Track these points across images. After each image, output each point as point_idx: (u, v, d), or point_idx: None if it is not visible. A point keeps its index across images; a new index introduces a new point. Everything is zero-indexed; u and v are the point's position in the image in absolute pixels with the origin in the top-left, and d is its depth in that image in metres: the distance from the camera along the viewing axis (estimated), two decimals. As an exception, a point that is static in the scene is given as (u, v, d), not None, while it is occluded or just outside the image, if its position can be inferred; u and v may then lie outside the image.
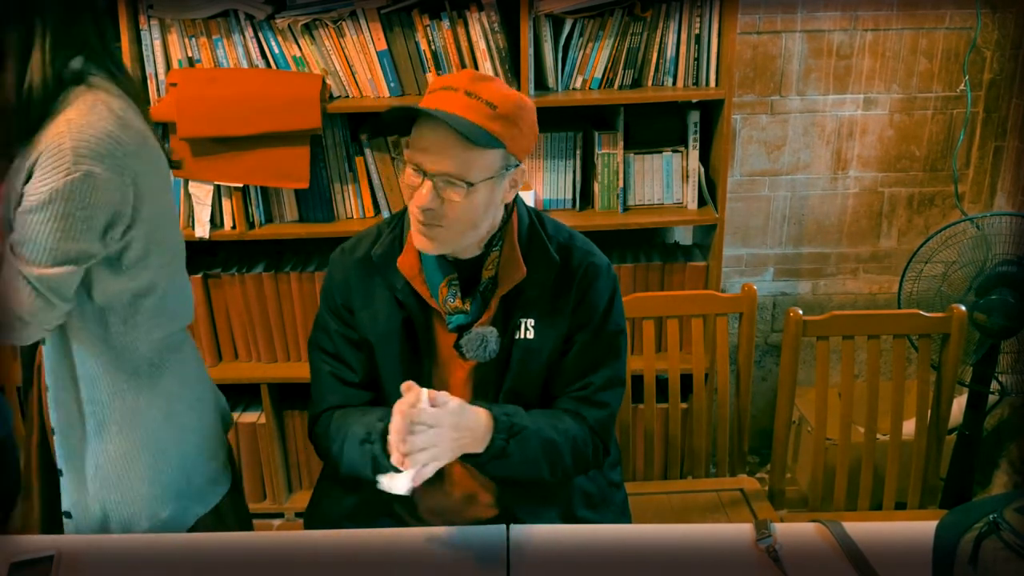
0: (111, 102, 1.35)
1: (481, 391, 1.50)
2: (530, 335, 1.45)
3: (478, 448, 1.35)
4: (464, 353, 1.45)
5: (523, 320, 1.44)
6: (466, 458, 1.36)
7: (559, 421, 1.46)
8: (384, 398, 1.53)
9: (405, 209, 1.50)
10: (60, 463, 1.50)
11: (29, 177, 1.32)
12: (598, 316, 1.49)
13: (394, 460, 1.26)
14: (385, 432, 1.32)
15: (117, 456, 1.48)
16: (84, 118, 1.31)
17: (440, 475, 1.50)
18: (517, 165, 1.39)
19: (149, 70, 2.37)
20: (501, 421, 1.37)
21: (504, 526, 1.38)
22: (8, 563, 1.30)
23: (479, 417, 1.35)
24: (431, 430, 1.27)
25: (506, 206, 1.45)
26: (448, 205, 1.33)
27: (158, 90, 2.35)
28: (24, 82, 1.30)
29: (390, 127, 1.41)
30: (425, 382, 1.47)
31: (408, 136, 1.37)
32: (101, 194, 1.33)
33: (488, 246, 1.44)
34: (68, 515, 1.51)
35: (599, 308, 1.49)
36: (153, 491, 1.50)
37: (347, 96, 2.43)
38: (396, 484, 1.27)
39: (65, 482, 1.50)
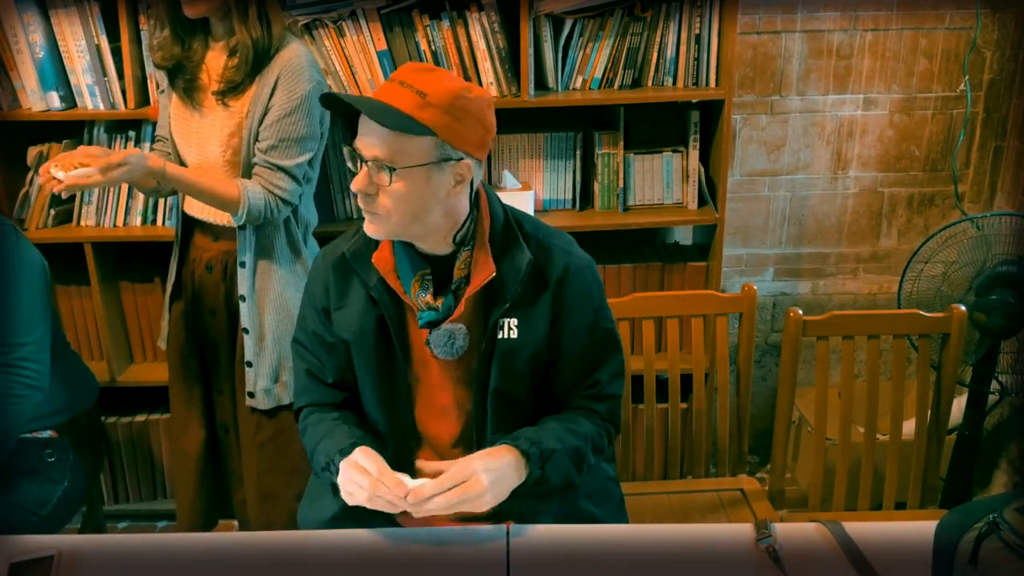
0: (302, 45, 1.98)
1: (457, 388, 1.50)
2: (513, 335, 1.45)
3: (516, 481, 1.39)
4: (432, 349, 1.46)
5: (505, 320, 1.44)
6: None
7: (576, 425, 1.48)
8: (359, 397, 1.55)
9: None
10: (246, 323, 2.02)
11: (272, 93, 1.89)
12: (590, 316, 1.50)
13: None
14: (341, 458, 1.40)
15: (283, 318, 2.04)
16: (302, 49, 1.95)
17: (417, 470, 1.50)
18: (461, 159, 1.37)
19: (149, 70, 2.37)
20: (532, 454, 1.40)
21: (504, 526, 1.37)
22: (8, 563, 1.30)
23: (505, 457, 1.39)
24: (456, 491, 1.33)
25: (476, 205, 1.45)
26: (381, 191, 1.36)
27: (158, 89, 2.35)
28: (262, 33, 1.88)
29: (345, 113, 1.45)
30: (400, 379, 1.49)
31: None
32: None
33: (459, 244, 1.44)
34: (249, 364, 2.04)
35: (589, 307, 1.50)
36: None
37: (347, 96, 2.43)
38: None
39: (249, 341, 2.02)
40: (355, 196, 1.42)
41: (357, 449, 1.39)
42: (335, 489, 1.42)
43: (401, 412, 1.51)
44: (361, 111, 1.34)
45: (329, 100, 1.40)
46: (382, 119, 1.32)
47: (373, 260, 1.45)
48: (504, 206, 1.50)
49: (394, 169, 1.34)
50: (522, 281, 1.43)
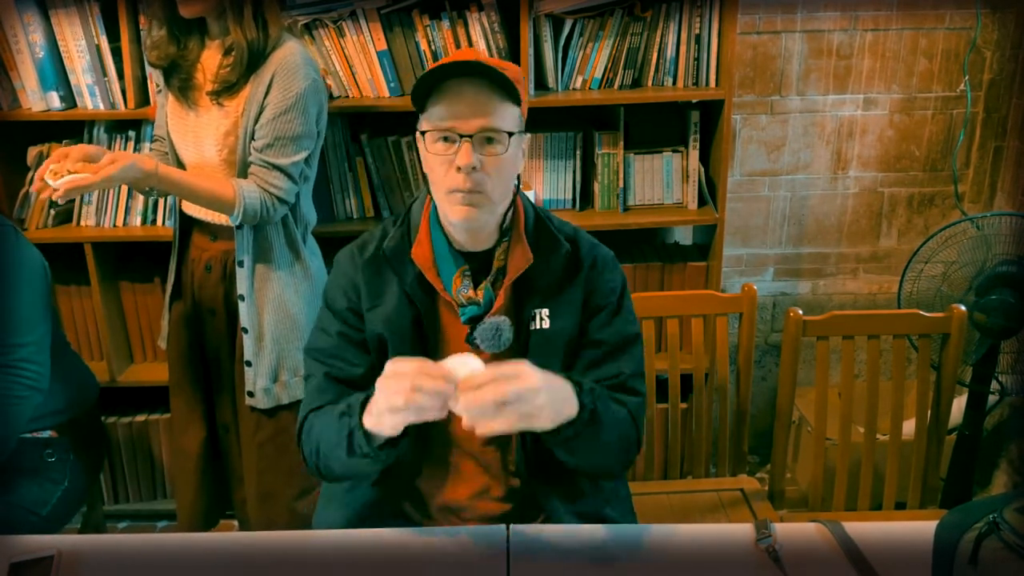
0: (299, 44, 1.97)
1: None
2: (546, 325, 1.44)
3: (569, 411, 1.27)
4: (479, 345, 1.42)
5: (537, 311, 1.43)
6: (555, 433, 1.27)
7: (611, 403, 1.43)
8: None
9: (411, 206, 1.50)
10: (245, 323, 2.01)
11: (267, 91, 1.89)
12: (615, 306, 1.48)
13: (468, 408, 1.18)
14: (364, 404, 1.28)
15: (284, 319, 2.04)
16: (298, 47, 1.94)
17: (449, 469, 1.49)
18: (524, 131, 1.42)
19: (149, 70, 2.37)
20: (584, 384, 1.31)
21: (504, 526, 1.37)
22: (8, 563, 1.30)
23: (557, 378, 1.28)
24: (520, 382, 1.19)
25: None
26: (489, 163, 1.33)
27: (156, 89, 2.35)
28: (257, 33, 1.88)
29: (422, 94, 1.37)
30: None
31: (424, 112, 1.37)
32: (319, 95, 1.97)
33: (500, 235, 1.43)
34: (248, 364, 2.03)
35: (615, 298, 1.49)
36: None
37: (347, 96, 2.43)
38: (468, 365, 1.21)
39: (248, 340, 2.02)
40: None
41: (391, 360, 1.25)
42: (350, 440, 1.30)
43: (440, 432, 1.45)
44: (489, 79, 1.31)
45: (439, 71, 1.32)
46: (505, 84, 1.32)
47: (412, 255, 1.43)
48: (531, 202, 1.52)
49: (512, 133, 1.35)
50: (559, 270, 1.44)
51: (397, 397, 1.18)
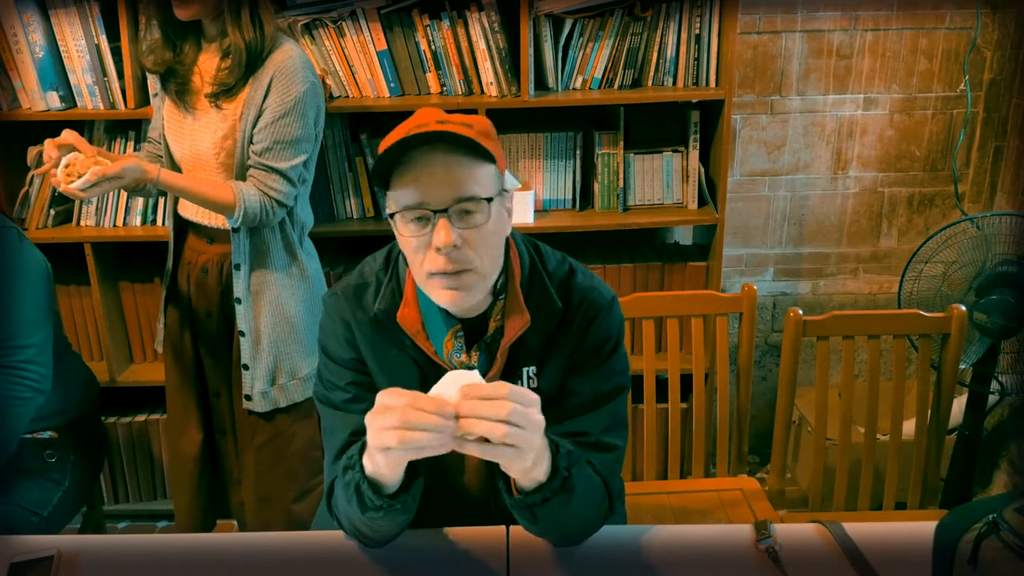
0: (296, 46, 1.96)
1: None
2: (533, 384, 1.34)
3: (540, 471, 1.16)
4: None
5: (525, 370, 1.34)
6: (521, 503, 1.19)
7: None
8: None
9: (398, 254, 1.37)
10: (242, 326, 2.02)
11: (266, 95, 1.88)
12: (601, 358, 1.36)
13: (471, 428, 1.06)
14: (363, 450, 1.17)
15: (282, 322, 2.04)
16: (296, 50, 1.94)
17: (439, 515, 1.41)
18: (504, 190, 1.28)
19: (149, 70, 2.37)
20: (562, 444, 1.19)
21: (504, 526, 1.37)
22: (8, 563, 1.30)
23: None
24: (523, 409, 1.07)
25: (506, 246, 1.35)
26: (471, 236, 1.20)
27: (152, 92, 2.35)
28: (255, 34, 1.88)
29: (383, 173, 1.23)
30: None
31: (389, 190, 1.23)
32: (317, 98, 1.96)
33: (494, 295, 1.32)
34: (246, 367, 2.03)
35: (607, 348, 1.36)
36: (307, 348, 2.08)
37: (347, 96, 2.43)
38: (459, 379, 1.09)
39: (245, 344, 2.02)
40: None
41: (381, 392, 1.11)
42: (358, 494, 1.19)
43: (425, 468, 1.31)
44: (457, 144, 1.18)
45: (401, 145, 1.18)
46: (473, 146, 1.18)
47: (399, 319, 1.31)
48: (524, 242, 1.39)
49: (491, 199, 1.21)
50: (551, 328, 1.33)
51: (388, 436, 1.06)
